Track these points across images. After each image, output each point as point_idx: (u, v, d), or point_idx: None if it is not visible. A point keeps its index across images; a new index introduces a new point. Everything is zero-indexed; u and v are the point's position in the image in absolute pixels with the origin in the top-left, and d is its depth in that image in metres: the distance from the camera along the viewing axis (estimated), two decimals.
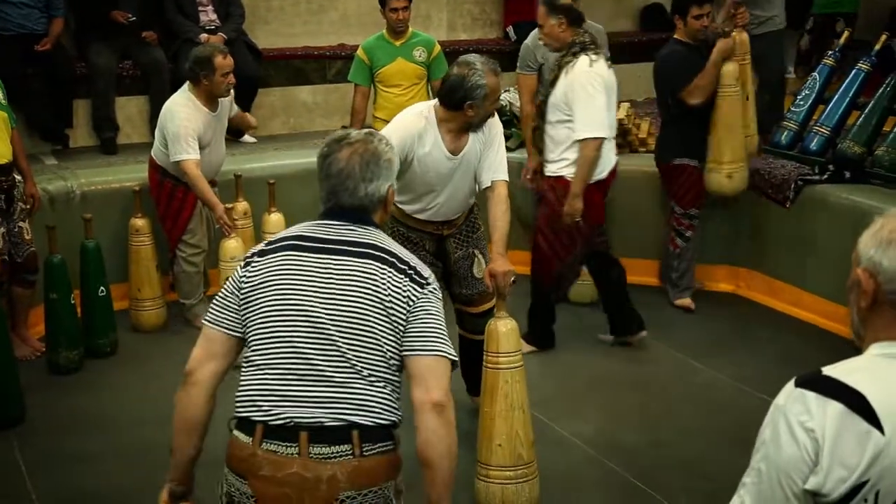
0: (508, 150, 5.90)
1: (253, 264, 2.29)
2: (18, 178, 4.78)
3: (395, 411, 2.24)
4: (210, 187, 5.11)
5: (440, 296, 2.31)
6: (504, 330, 3.60)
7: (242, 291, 2.27)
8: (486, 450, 3.65)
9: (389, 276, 2.22)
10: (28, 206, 4.83)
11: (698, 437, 4.29)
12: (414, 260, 2.30)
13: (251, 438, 2.18)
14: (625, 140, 6.27)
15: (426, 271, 2.29)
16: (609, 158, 4.84)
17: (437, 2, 7.98)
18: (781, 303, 5.70)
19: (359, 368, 2.18)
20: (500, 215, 3.85)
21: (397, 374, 2.25)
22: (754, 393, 4.50)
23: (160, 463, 2.34)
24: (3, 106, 4.66)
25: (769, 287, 5.80)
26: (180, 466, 2.35)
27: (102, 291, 5.01)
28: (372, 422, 2.18)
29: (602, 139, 4.65)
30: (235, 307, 2.28)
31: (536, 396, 4.07)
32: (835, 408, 1.57)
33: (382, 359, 2.20)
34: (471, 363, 4.14)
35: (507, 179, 3.95)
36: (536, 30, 5.39)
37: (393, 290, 2.21)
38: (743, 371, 4.83)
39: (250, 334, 2.26)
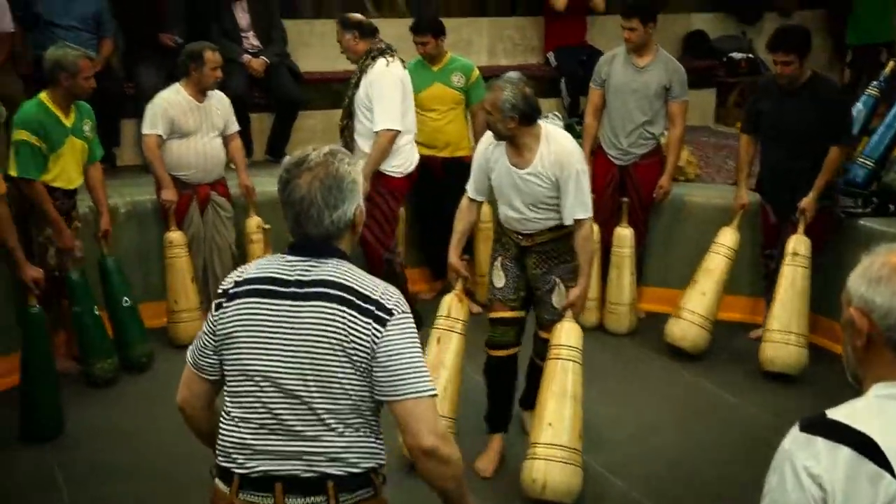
0: None
1: (223, 308, 2.21)
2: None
3: (373, 456, 2.19)
4: (164, 169, 5.32)
5: (409, 322, 2.17)
6: (568, 326, 4.02)
7: (216, 337, 2.22)
8: (537, 429, 3.95)
9: (350, 320, 2.10)
10: (96, 232, 5.08)
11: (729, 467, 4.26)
12: (378, 290, 2.15)
13: (229, 488, 2.18)
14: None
15: (391, 300, 2.15)
16: (413, 154, 5.38)
17: (478, 27, 8.05)
18: (821, 338, 5.52)
19: (328, 422, 2.12)
20: (577, 248, 4.03)
21: (372, 416, 2.19)
22: None
23: (194, 476, 2.38)
24: (86, 138, 4.91)
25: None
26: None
27: (127, 302, 5.10)
28: (346, 472, 2.14)
29: (397, 131, 5.14)
30: (212, 350, 2.24)
31: None
32: (844, 453, 1.55)
33: (352, 407, 2.13)
34: (531, 383, 4.30)
35: (588, 216, 3.99)
36: (618, 49, 5.71)
37: (354, 335, 2.10)
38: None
39: (226, 383, 2.24)
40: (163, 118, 5.29)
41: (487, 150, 4.11)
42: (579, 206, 3.96)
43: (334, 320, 2.10)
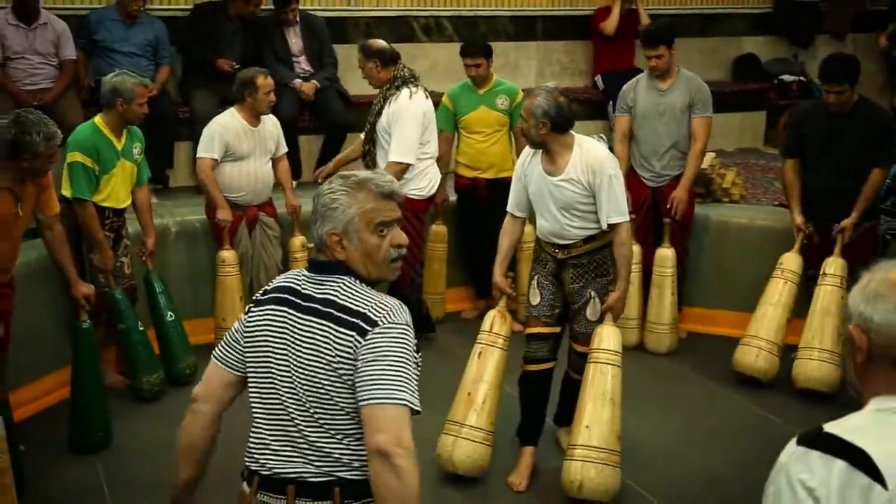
0: None
1: (251, 312, 2.35)
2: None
3: None
4: (218, 191, 5.43)
5: (397, 332, 2.18)
6: (608, 330, 4.12)
7: (245, 338, 2.34)
8: (575, 430, 4.06)
9: (335, 335, 2.18)
10: (141, 251, 5.21)
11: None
12: (370, 304, 2.20)
13: (250, 489, 2.30)
14: (708, 190, 6.25)
15: (380, 312, 2.18)
16: (436, 176, 5.52)
17: (527, 51, 8.13)
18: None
19: (329, 430, 2.21)
20: (615, 253, 4.15)
21: None
22: None
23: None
24: (136, 161, 5.07)
25: None
26: (180, 487, 2.47)
27: (171, 317, 5.23)
28: (352, 477, 2.21)
29: (407, 165, 5.25)
30: (240, 349, 2.36)
31: None
32: (838, 466, 1.58)
33: (345, 416, 2.20)
34: (565, 399, 4.40)
35: (624, 220, 4.09)
36: (640, 75, 5.78)
37: (338, 349, 2.17)
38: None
39: (249, 383, 2.35)
40: (219, 142, 5.42)
41: (525, 164, 4.29)
42: (614, 210, 4.06)
43: (321, 335, 2.20)
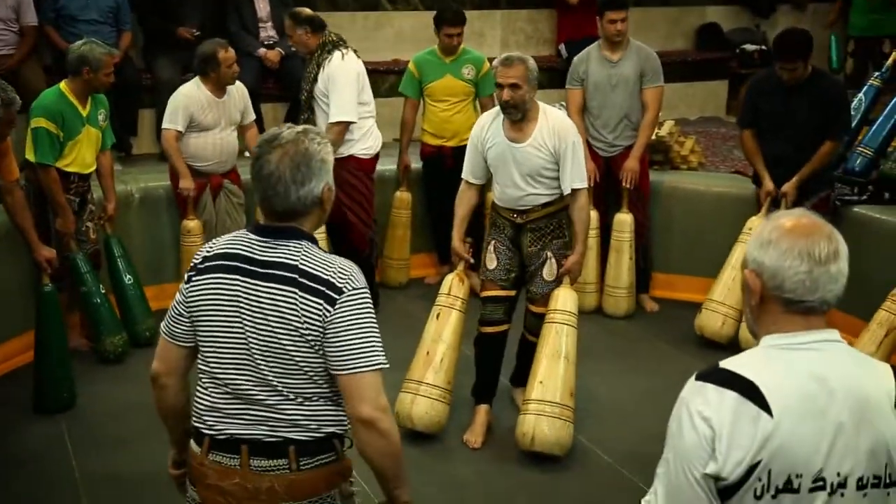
0: None
1: (193, 280, 2.31)
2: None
3: (333, 423, 2.27)
4: (182, 161, 5.46)
5: (360, 298, 2.22)
6: (564, 292, 4.27)
7: (188, 307, 2.32)
8: (530, 386, 4.20)
9: (303, 302, 2.18)
10: (101, 215, 5.25)
11: None
12: (331, 269, 2.21)
13: (200, 449, 2.30)
14: (666, 157, 6.36)
15: (343, 278, 2.20)
16: (378, 135, 5.64)
17: (491, 19, 8.18)
18: None
19: (285, 393, 2.22)
20: (574, 217, 4.28)
21: (329, 388, 2.25)
22: None
23: None
24: (100, 127, 5.11)
25: None
26: (177, 440, 2.51)
27: (129, 280, 5.29)
28: (307, 437, 2.24)
29: (348, 123, 5.36)
30: (186, 319, 2.33)
31: None
32: (730, 396, 1.72)
33: (306, 380, 2.23)
34: (521, 361, 4.54)
35: (584, 185, 4.24)
36: (589, 47, 5.78)
37: (306, 315, 2.17)
38: None
39: (200, 348, 2.34)
40: (182, 114, 5.42)
41: (483, 131, 4.32)
42: (577, 175, 4.19)
43: (286, 302, 2.19)
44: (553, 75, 7.94)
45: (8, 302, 5.02)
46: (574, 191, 4.20)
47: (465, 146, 5.78)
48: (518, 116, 4.15)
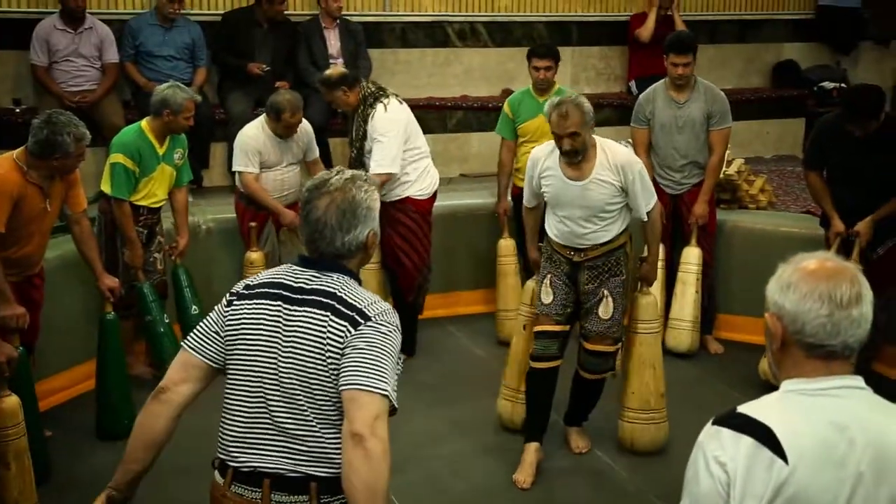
0: None
1: (235, 305, 2.34)
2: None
3: None
4: (270, 199, 5.55)
5: (386, 329, 2.24)
6: (644, 301, 4.50)
7: (225, 330, 2.34)
8: (624, 395, 4.57)
9: (330, 323, 2.22)
10: (171, 246, 5.38)
11: None
12: (366, 301, 2.25)
13: (224, 480, 2.31)
14: (734, 196, 6.25)
15: (376, 311, 2.24)
16: (435, 175, 5.61)
17: (563, 55, 8.12)
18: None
19: (314, 422, 2.23)
20: (647, 228, 4.34)
21: None
22: None
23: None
24: (175, 164, 5.26)
25: None
26: (127, 475, 2.41)
27: (196, 310, 5.37)
28: (328, 473, 2.23)
29: (389, 174, 5.26)
30: (220, 340, 2.35)
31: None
32: (746, 442, 1.70)
33: (330, 407, 2.22)
34: (576, 399, 4.57)
35: (655, 202, 4.26)
36: (655, 86, 5.70)
37: (331, 337, 2.21)
38: None
39: (228, 376, 2.35)
40: (252, 155, 5.52)
41: (535, 168, 4.32)
42: (648, 199, 4.21)
43: (317, 324, 2.23)
44: (623, 112, 7.88)
45: (75, 329, 5.17)
46: (649, 212, 4.24)
47: None
48: (578, 160, 4.13)
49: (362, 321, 2.22)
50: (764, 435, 1.69)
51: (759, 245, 5.91)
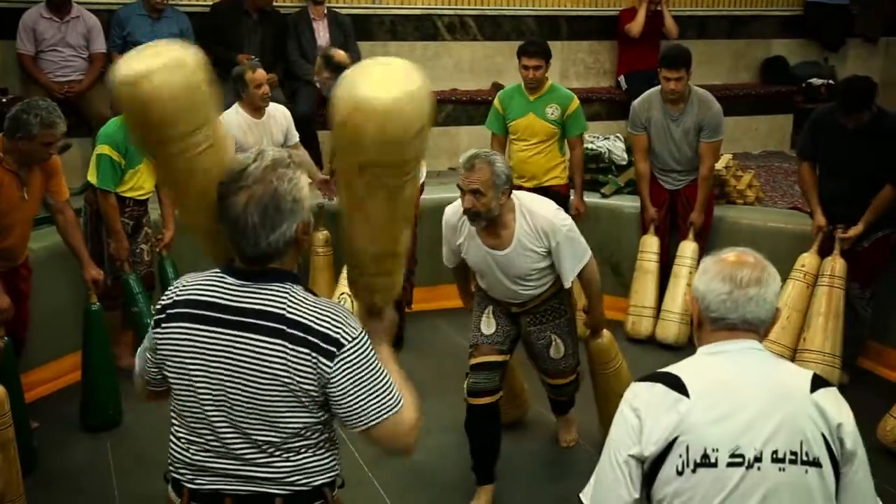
0: (603, 195, 6.11)
1: (161, 327, 2.12)
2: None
3: (322, 474, 2.13)
4: None
5: (361, 347, 2.04)
6: (597, 348, 4.30)
7: (157, 354, 2.15)
8: (600, 419, 4.44)
9: (294, 355, 2.00)
10: (158, 238, 5.36)
11: None
12: (324, 319, 2.02)
13: (180, 500, 2.15)
14: (722, 191, 6.26)
15: (337, 328, 2.02)
16: (421, 174, 5.12)
17: (552, 50, 8.13)
18: (875, 364, 5.48)
19: (268, 450, 2.07)
20: (586, 292, 4.04)
21: (321, 436, 2.12)
22: None
23: None
24: None
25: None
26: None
27: None
28: (292, 491, 2.09)
29: None
30: (155, 368, 2.19)
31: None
32: (658, 388, 2.01)
33: (296, 435, 2.07)
34: (554, 403, 4.53)
35: (586, 261, 3.85)
36: (650, 93, 5.71)
37: (297, 369, 2.00)
38: None
39: (173, 402, 2.16)
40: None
41: (455, 225, 3.90)
42: (577, 262, 3.82)
43: (274, 356, 2.01)
44: (612, 107, 7.94)
45: (61, 320, 5.14)
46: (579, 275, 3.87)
47: (542, 188, 5.56)
48: (483, 224, 3.71)
49: (334, 349, 2.00)
50: (673, 381, 2.00)
51: (746, 240, 5.85)
